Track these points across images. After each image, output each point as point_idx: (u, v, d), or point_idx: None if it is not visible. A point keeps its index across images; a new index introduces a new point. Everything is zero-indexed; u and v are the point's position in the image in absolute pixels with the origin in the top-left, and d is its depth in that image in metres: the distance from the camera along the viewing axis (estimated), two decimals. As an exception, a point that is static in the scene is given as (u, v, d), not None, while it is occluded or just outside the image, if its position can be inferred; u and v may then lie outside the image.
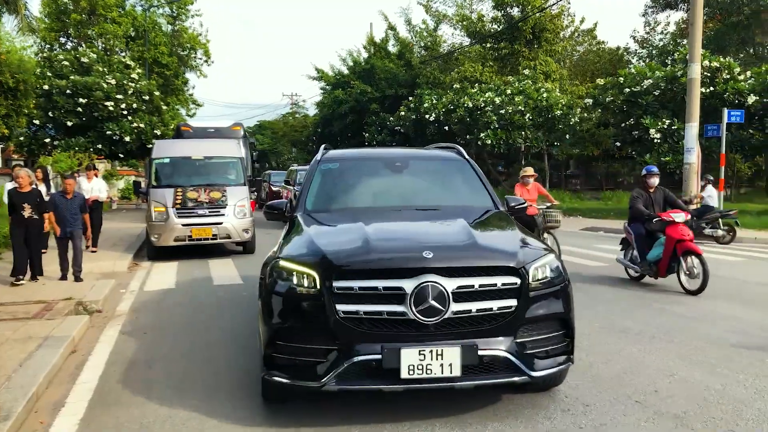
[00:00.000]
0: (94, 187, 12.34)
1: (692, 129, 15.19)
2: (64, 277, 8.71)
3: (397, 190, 5.29)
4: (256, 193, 16.29)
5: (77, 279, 8.66)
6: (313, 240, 3.91)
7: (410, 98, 28.17)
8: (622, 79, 20.48)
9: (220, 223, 11.24)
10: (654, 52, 36.26)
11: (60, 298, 7.35)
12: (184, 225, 11.06)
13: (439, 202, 5.00)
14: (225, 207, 11.35)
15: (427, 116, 25.92)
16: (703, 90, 17.19)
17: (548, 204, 10.27)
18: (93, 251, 11.21)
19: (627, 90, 20.22)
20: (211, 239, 11.27)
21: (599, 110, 22.63)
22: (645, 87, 19.92)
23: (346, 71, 36.99)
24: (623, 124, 20.90)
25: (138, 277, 9.60)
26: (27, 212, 8.32)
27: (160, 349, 5.53)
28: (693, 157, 15.27)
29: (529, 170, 10.42)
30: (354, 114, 34.11)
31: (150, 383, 4.62)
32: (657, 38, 36.87)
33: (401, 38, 36.85)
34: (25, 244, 8.39)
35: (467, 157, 5.60)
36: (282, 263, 3.74)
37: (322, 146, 5.93)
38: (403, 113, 27.63)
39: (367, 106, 32.99)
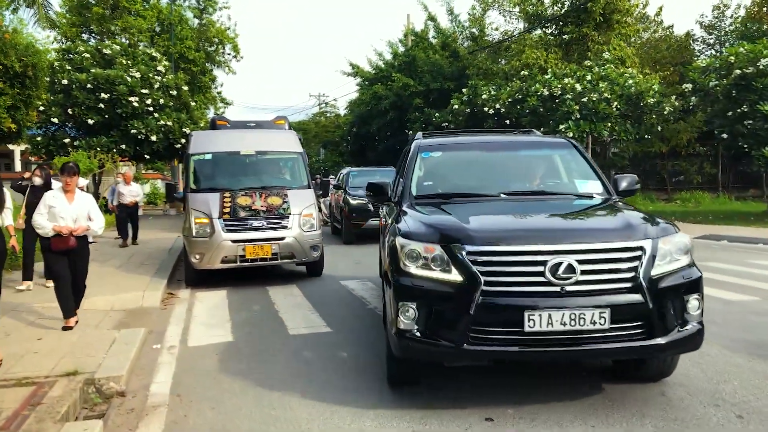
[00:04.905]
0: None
1: None
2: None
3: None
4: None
5: None
6: None
7: (464, 90, 25.19)
8: (732, 58, 17.21)
9: (283, 239, 8.34)
10: (724, 37, 32.99)
11: (59, 372, 4.57)
12: (234, 241, 8.20)
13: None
14: (288, 217, 8.46)
15: (485, 109, 22.88)
16: None
17: None
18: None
19: (737, 72, 16.95)
20: (270, 260, 8.38)
21: (696, 97, 19.38)
22: (761, 68, 16.64)
23: (383, 66, 34.25)
24: (729, 113, 17.62)
25: (176, 318, 6.80)
26: None
27: None
28: None
29: None
30: (395, 110, 31.18)
31: None
32: (726, 23, 33.50)
33: (443, 29, 33.99)
34: None
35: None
36: None
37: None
38: (456, 106, 24.62)
39: (410, 101, 30.02)
